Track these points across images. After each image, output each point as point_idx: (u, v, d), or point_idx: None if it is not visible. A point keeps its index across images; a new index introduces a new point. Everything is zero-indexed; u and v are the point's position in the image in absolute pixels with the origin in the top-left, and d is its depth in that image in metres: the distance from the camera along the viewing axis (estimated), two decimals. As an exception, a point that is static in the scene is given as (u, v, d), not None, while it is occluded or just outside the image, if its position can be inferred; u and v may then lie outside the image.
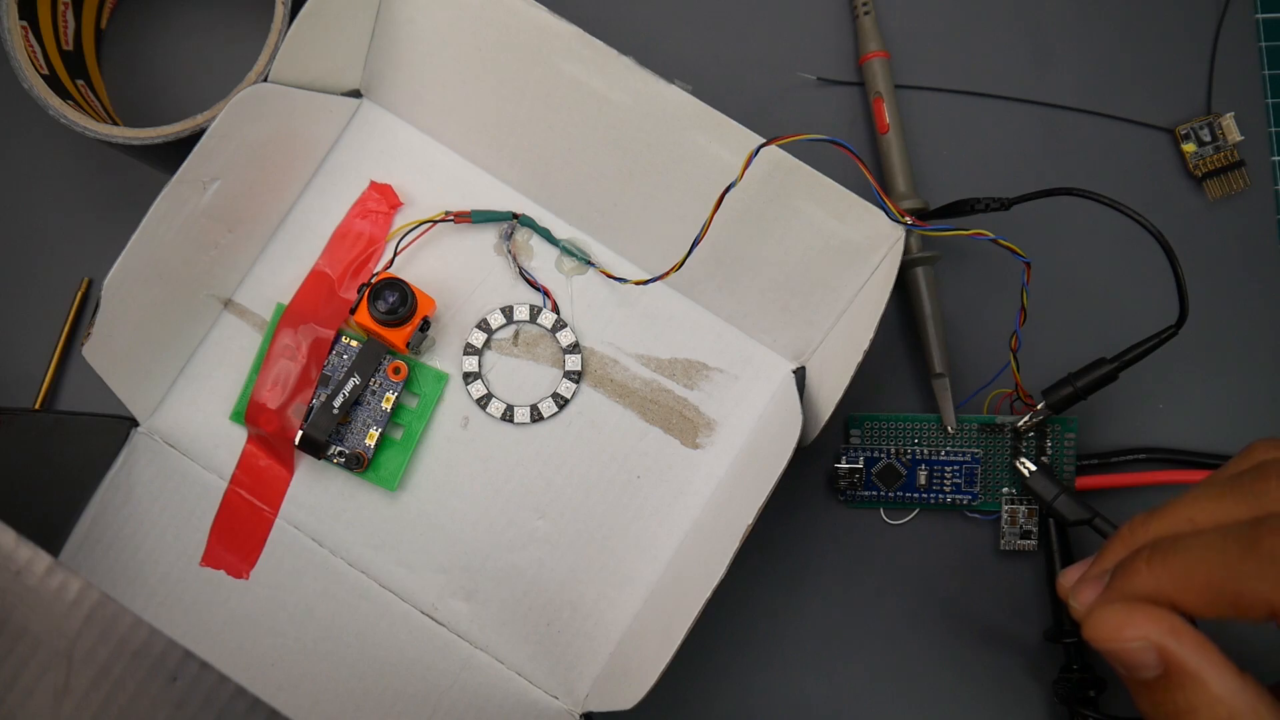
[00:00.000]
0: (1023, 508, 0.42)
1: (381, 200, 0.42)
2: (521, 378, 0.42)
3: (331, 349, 0.41)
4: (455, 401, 0.41)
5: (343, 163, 0.42)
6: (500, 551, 0.41)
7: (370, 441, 0.40)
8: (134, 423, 0.41)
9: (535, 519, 0.41)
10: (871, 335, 0.34)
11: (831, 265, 0.39)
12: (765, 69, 0.45)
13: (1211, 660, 0.26)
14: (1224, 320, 0.44)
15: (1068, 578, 0.32)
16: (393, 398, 0.40)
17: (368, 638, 0.40)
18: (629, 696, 0.33)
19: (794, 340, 0.41)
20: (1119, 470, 0.42)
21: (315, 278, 0.41)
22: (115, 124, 0.39)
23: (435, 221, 0.41)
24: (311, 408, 0.40)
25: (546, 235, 0.42)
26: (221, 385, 0.41)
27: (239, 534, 0.40)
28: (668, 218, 0.40)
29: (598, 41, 0.37)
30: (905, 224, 0.36)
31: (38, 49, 0.40)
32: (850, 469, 0.42)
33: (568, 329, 0.41)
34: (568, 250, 0.42)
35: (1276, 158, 0.44)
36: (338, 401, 0.40)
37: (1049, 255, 0.44)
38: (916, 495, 0.42)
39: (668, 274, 0.39)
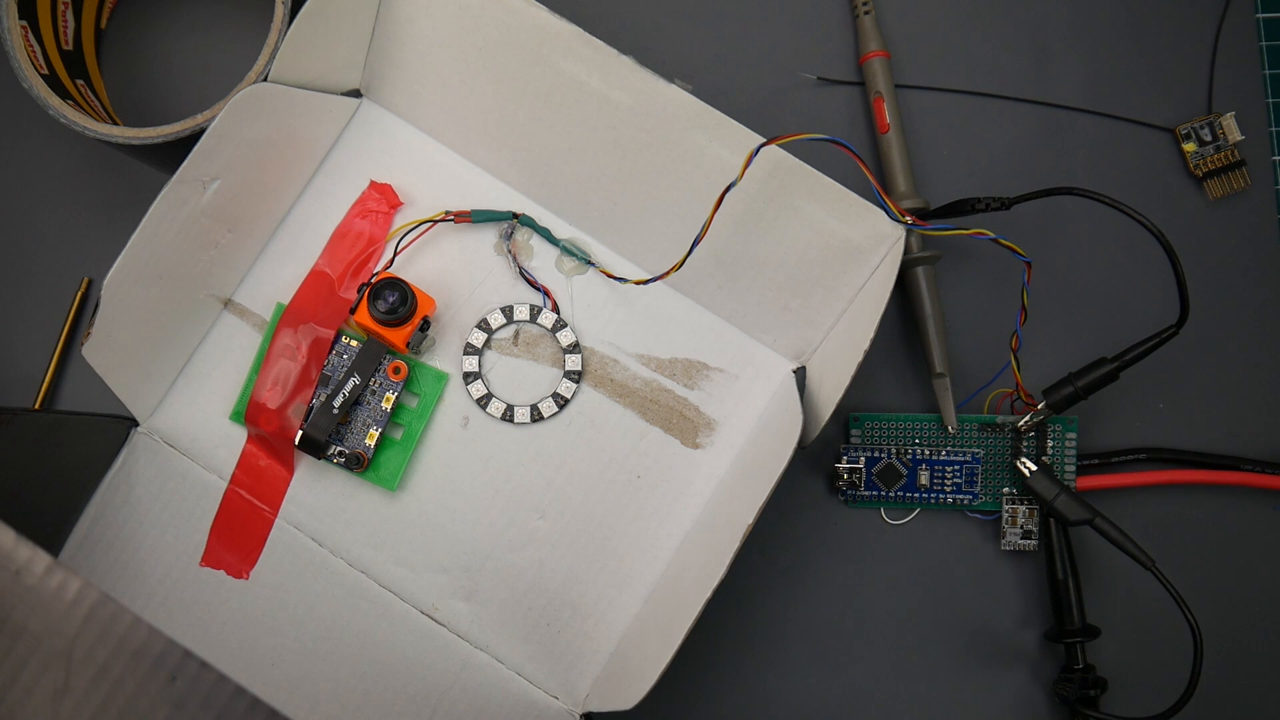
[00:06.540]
0: (1023, 508, 0.42)
1: (381, 200, 0.42)
2: (521, 377, 0.42)
3: (331, 349, 0.41)
4: (455, 401, 0.41)
5: (343, 163, 0.42)
6: (500, 551, 0.41)
7: (370, 441, 0.40)
8: (134, 423, 0.41)
9: (535, 519, 0.41)
10: (872, 335, 0.34)
11: (832, 265, 0.39)
12: (765, 69, 0.45)
13: None
14: (1224, 320, 0.44)
15: None
16: (393, 398, 0.40)
17: (368, 638, 0.40)
18: (629, 696, 0.33)
19: (794, 340, 0.41)
20: (1119, 470, 0.42)
21: (315, 277, 0.41)
22: (115, 124, 0.39)
23: (435, 221, 0.41)
24: (311, 408, 0.40)
25: (546, 235, 0.42)
26: (221, 385, 0.41)
27: (239, 534, 0.40)
28: (668, 218, 0.40)
29: (598, 41, 0.37)
30: (905, 223, 0.36)
31: (38, 49, 0.40)
32: (851, 469, 0.42)
33: (568, 329, 0.41)
34: (568, 250, 0.42)
35: (1277, 157, 0.44)
36: (338, 401, 0.40)
37: (1049, 255, 0.44)
38: (917, 495, 0.42)
39: (668, 274, 0.39)
